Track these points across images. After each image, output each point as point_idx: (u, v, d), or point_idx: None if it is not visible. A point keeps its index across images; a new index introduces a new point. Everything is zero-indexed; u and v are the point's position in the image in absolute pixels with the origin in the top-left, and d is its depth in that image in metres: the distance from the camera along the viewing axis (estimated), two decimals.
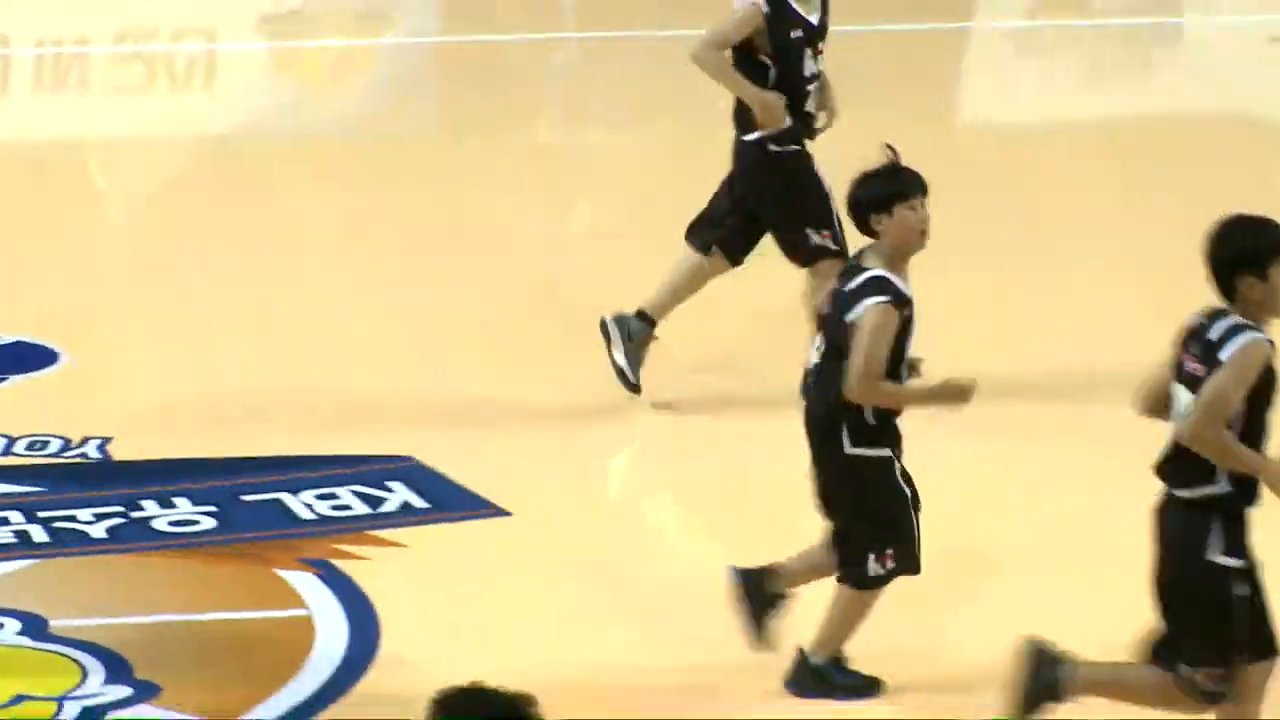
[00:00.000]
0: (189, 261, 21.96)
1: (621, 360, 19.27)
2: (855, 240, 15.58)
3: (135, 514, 17.31)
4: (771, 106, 18.20)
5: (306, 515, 17.43)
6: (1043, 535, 17.43)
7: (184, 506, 17.38)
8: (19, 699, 15.13)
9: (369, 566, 16.82)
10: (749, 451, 18.88)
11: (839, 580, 14.61)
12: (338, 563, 16.80)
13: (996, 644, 14.25)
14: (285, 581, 16.65)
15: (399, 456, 18.32)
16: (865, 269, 14.09)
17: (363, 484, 17.89)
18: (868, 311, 13.91)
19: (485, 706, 9.35)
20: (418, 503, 17.70)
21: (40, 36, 25.58)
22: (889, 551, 14.43)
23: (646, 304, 19.21)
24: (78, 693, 15.21)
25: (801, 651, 14.68)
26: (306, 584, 16.58)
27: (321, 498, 17.63)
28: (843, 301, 14.13)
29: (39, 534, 16.98)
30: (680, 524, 18.75)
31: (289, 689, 15.49)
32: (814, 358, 14.41)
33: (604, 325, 19.38)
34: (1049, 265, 22.51)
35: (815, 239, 18.50)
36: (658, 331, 19.34)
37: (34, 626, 15.91)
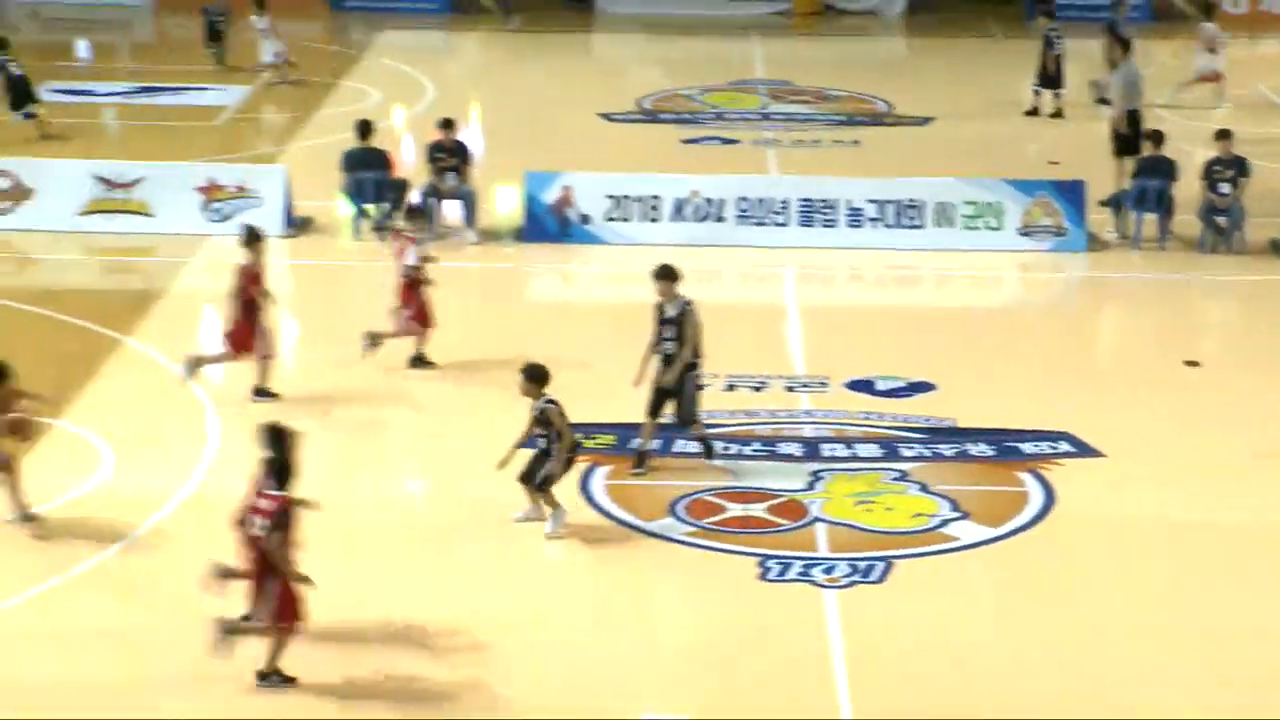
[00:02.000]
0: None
1: None
2: None
3: (961, 449, 16.63)
4: None
5: (1029, 451, 16.65)
6: None
7: (983, 447, 16.72)
8: (919, 515, 15.11)
9: (1051, 473, 16.16)
10: None
11: None
12: (1040, 471, 16.22)
13: None
14: (1018, 477, 16.08)
15: (1062, 431, 17.08)
16: None
17: (1047, 441, 16.89)
18: None
19: None
20: (1069, 449, 16.83)
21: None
22: None
23: None
24: (938, 515, 15.23)
25: None
26: (1027, 480, 16.04)
27: (1035, 446, 16.75)
28: None
29: (921, 453, 16.59)
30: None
31: (1017, 518, 15.22)
32: None
33: None
34: None
35: None
36: None
37: (922, 487, 15.86)
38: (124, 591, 13.24)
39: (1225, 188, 23.27)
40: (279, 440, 11.73)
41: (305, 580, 11.77)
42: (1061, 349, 20.14)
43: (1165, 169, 23.41)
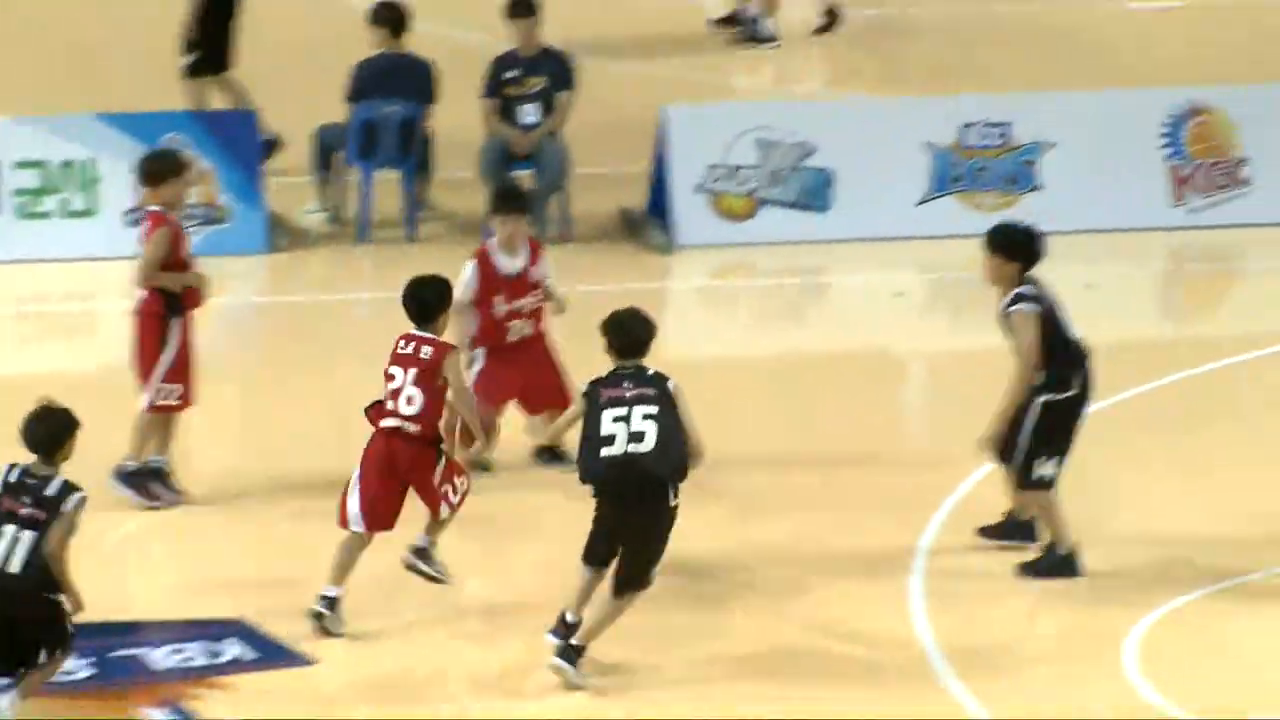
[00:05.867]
0: None
1: None
2: None
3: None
4: None
5: (163, 664, 11.59)
6: None
7: (79, 665, 11.50)
8: None
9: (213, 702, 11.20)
10: None
11: None
12: (183, 704, 11.19)
13: None
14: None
15: (234, 620, 11.96)
16: None
17: (206, 640, 11.81)
18: None
19: None
20: (247, 653, 11.64)
21: None
22: None
23: None
24: None
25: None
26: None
27: (178, 652, 11.68)
28: None
29: None
30: None
31: None
32: None
33: None
34: None
35: None
36: None
37: None
38: None
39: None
40: None
41: None
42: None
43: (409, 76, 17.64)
